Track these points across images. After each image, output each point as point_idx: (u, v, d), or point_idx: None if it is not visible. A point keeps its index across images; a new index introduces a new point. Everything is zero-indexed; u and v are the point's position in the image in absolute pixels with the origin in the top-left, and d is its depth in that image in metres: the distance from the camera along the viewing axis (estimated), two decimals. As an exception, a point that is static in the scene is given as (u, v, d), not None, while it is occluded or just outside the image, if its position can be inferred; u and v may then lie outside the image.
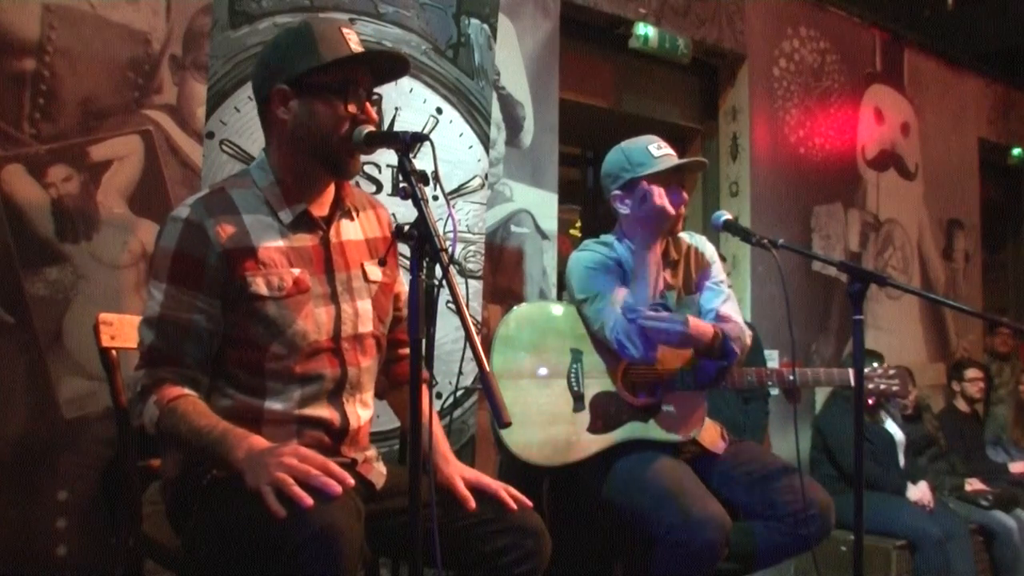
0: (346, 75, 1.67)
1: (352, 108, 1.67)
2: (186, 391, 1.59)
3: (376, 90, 1.80)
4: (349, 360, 1.70)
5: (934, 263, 6.04)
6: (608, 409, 2.40)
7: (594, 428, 2.39)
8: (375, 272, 1.78)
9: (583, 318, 2.43)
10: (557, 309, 2.52)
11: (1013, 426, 5.17)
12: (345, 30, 1.69)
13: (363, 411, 1.75)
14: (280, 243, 1.66)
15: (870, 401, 2.53)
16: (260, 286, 1.61)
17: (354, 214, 1.79)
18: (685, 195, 2.42)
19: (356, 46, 1.68)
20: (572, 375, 2.42)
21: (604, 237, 2.54)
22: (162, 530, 1.77)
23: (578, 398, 2.41)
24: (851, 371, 2.31)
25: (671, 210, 2.31)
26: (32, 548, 2.61)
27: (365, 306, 1.74)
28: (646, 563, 2.26)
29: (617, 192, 2.45)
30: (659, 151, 2.40)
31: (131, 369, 1.59)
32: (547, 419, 2.37)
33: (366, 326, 1.74)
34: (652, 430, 2.39)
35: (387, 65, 1.76)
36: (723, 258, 2.60)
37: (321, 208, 1.73)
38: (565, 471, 2.42)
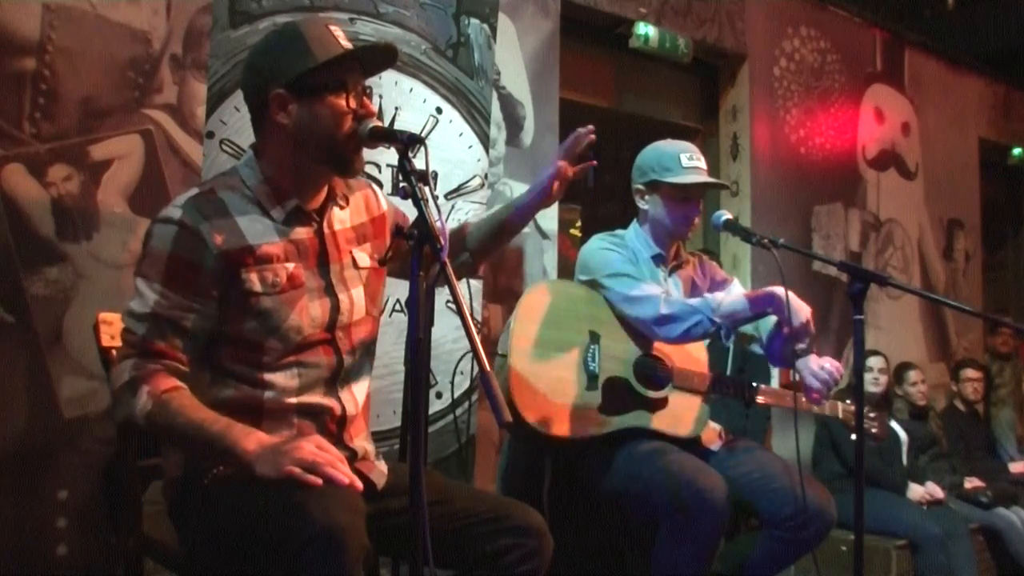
0: (342, 72, 1.67)
1: (352, 104, 1.67)
2: (179, 384, 1.57)
3: (375, 88, 1.80)
4: (343, 348, 1.72)
5: (934, 263, 6.04)
6: (618, 395, 2.41)
7: (602, 409, 2.39)
8: (364, 259, 1.79)
9: (605, 292, 2.44)
10: (580, 291, 2.50)
11: (1020, 425, 5.17)
12: (332, 27, 1.69)
13: (359, 393, 1.76)
14: (276, 239, 1.66)
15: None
16: (255, 283, 1.62)
17: (343, 202, 1.79)
18: (700, 207, 2.49)
19: (345, 42, 1.68)
20: (589, 354, 2.41)
21: (616, 231, 2.56)
22: (162, 530, 1.77)
23: (592, 377, 2.40)
24: (840, 406, 2.51)
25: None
26: (32, 547, 2.61)
27: (359, 294, 1.76)
28: (648, 556, 2.27)
29: (639, 187, 2.51)
30: (689, 162, 2.43)
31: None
32: (562, 390, 2.36)
33: (360, 313, 1.76)
34: (656, 421, 2.41)
35: (377, 57, 1.77)
36: (719, 260, 2.65)
37: (315, 202, 1.74)
38: (565, 466, 2.43)
